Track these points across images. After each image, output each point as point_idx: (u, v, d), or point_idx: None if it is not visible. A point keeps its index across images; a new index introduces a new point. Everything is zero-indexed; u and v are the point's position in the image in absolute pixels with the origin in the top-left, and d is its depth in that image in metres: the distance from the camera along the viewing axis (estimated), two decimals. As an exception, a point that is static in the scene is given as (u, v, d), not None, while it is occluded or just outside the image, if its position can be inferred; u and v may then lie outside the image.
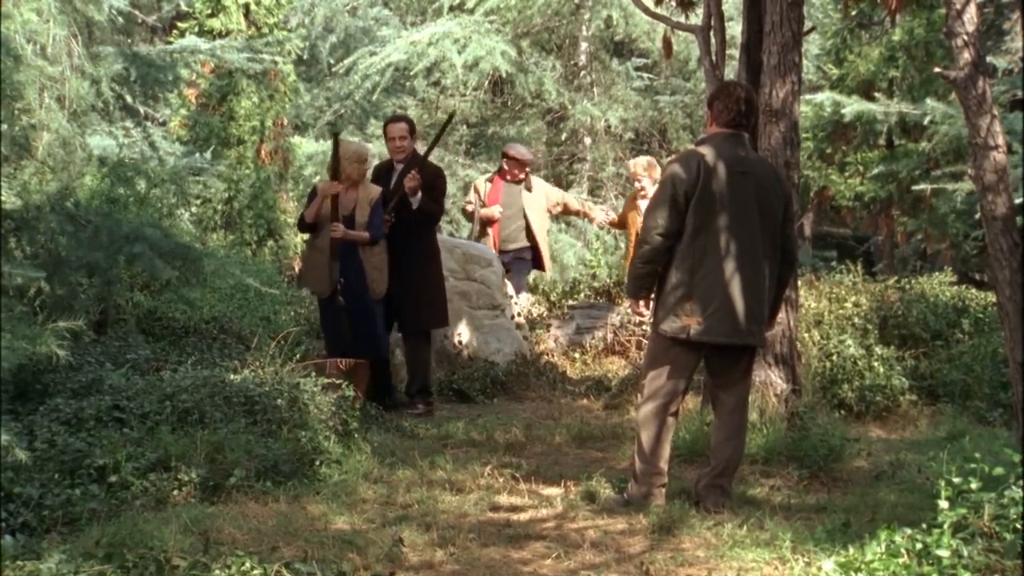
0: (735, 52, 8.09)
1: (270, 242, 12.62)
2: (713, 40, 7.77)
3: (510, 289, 10.25)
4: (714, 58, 7.66)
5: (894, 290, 10.12)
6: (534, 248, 10.68)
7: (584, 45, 16.80)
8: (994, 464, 4.24)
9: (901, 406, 8.06)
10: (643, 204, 10.50)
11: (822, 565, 4.25)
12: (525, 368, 9.20)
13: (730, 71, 9.77)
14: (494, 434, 7.27)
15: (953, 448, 6.22)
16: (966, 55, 5.40)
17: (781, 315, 6.62)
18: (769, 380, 6.91)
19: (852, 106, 13.39)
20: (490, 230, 10.58)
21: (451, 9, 16.41)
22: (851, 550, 4.24)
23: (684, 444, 6.50)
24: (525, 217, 10.56)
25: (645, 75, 17.35)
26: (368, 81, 16.20)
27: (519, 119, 16.98)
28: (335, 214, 7.92)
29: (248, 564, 4.18)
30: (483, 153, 17.09)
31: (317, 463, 5.95)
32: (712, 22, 7.78)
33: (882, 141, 14.44)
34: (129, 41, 11.98)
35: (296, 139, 14.86)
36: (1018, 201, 5.76)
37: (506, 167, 10.65)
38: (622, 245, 15.10)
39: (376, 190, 8.14)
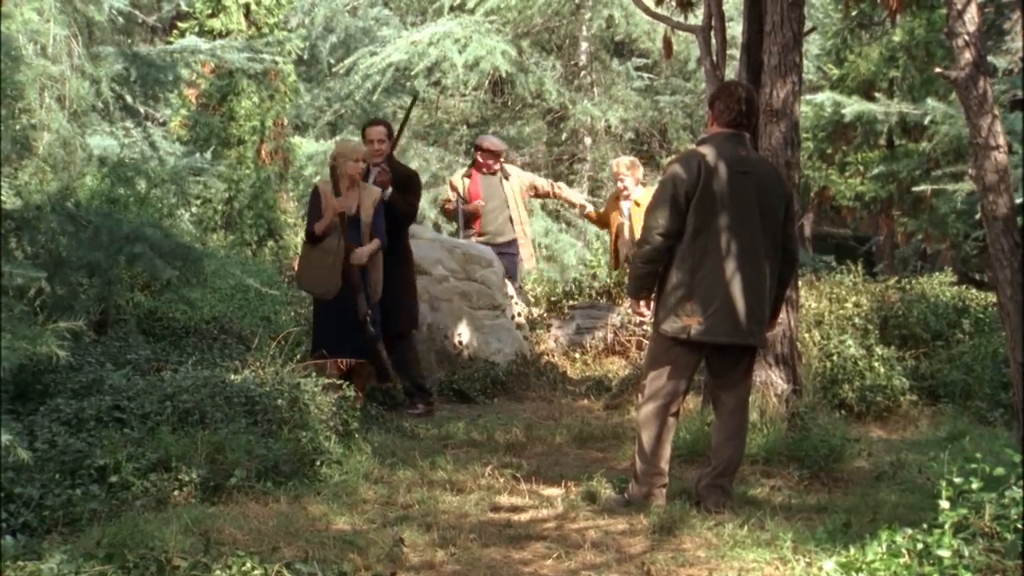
0: (736, 52, 8.09)
1: (270, 242, 12.62)
2: (714, 40, 7.76)
3: (510, 289, 10.25)
4: (714, 58, 7.66)
5: (894, 290, 10.12)
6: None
7: (584, 45, 16.80)
8: (995, 464, 4.24)
9: (902, 406, 8.06)
10: (625, 205, 10.51)
11: (823, 565, 4.25)
12: (525, 368, 9.19)
13: (731, 71, 9.76)
14: (495, 434, 7.27)
15: (954, 448, 6.22)
16: (967, 55, 5.40)
17: (782, 315, 6.62)
18: (770, 380, 6.91)
19: (852, 106, 13.39)
20: (475, 225, 10.54)
21: (451, 9, 16.41)
22: (852, 550, 4.24)
23: (685, 444, 6.50)
24: (508, 207, 10.54)
25: (645, 75, 17.35)
26: (368, 81, 16.20)
27: (519, 119, 16.98)
28: (345, 227, 7.88)
29: (249, 564, 4.18)
30: (483, 153, 17.03)
31: (318, 463, 5.95)
32: (712, 22, 7.78)
33: (882, 141, 14.45)
34: (129, 41, 11.99)
35: (296, 139, 14.86)
36: (1019, 201, 5.76)
37: (480, 159, 10.55)
38: (623, 245, 15.11)
39: (376, 191, 8.13)
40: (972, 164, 5.53)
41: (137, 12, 15.25)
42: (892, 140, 14.41)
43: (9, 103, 6.29)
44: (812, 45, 14.72)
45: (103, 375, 6.30)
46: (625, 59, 17.42)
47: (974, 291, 10.51)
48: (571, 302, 10.89)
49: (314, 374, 6.86)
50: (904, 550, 4.05)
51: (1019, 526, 4.00)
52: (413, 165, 16.35)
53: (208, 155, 11.65)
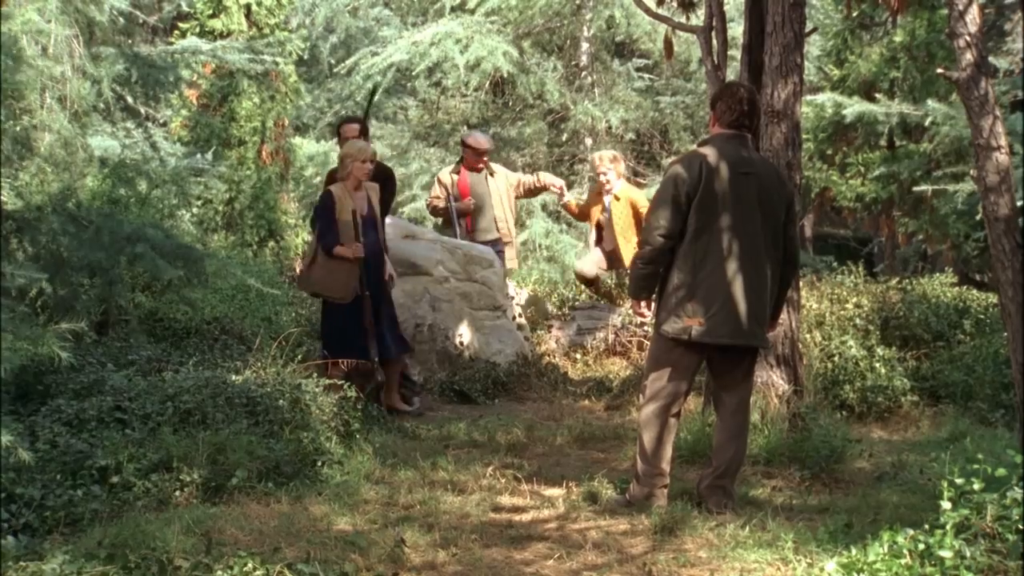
0: (736, 53, 8.09)
1: (271, 243, 12.63)
2: (715, 41, 7.76)
3: (511, 290, 10.25)
4: (716, 59, 7.66)
5: (895, 291, 10.12)
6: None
7: (585, 46, 16.80)
8: (996, 465, 4.24)
9: (903, 407, 8.06)
10: (606, 199, 10.45)
11: (824, 566, 4.25)
12: (526, 369, 9.19)
13: (732, 72, 9.76)
14: (496, 435, 7.27)
15: (955, 449, 6.22)
16: (968, 56, 5.40)
17: (783, 316, 6.62)
18: (771, 381, 6.91)
19: (853, 107, 13.38)
20: (463, 222, 10.50)
21: (452, 10, 16.41)
22: (853, 551, 4.24)
23: (686, 445, 6.50)
24: (493, 206, 10.50)
25: (646, 76, 17.35)
26: (369, 82, 16.20)
27: (520, 120, 16.98)
28: (357, 228, 7.87)
29: (250, 565, 4.18)
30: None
31: (319, 464, 5.96)
32: (714, 23, 7.78)
33: (883, 142, 14.44)
34: (130, 42, 11.99)
35: (297, 140, 14.89)
36: (1020, 202, 5.76)
37: (467, 156, 10.55)
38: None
39: (375, 185, 8.14)
40: (974, 165, 5.53)
41: (138, 12, 15.25)
42: (893, 141, 14.40)
43: (10, 103, 6.30)
44: (813, 46, 14.72)
45: (104, 376, 6.31)
46: (626, 60, 17.43)
47: (975, 292, 10.52)
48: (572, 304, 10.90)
49: (316, 375, 6.87)
50: (906, 551, 4.05)
51: (1020, 527, 4.00)
52: (414, 166, 16.39)
53: (209, 156, 11.67)
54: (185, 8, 15.15)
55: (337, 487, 5.72)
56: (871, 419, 7.93)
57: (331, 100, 18.12)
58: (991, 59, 12.50)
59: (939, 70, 6.16)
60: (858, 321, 9.11)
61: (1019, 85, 12.78)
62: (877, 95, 13.80)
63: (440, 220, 10.79)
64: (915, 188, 13.43)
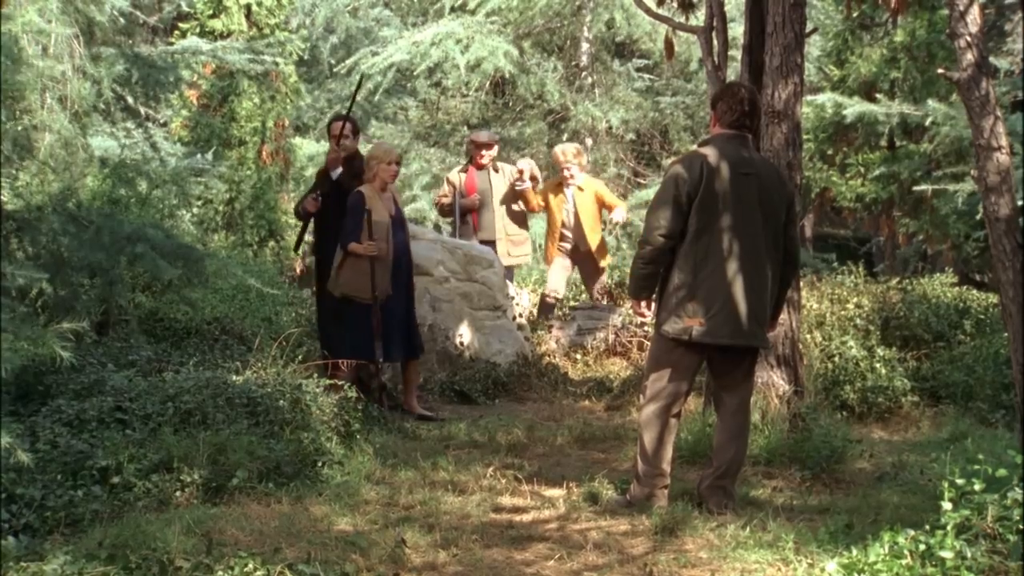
0: (737, 53, 8.09)
1: (271, 243, 12.63)
2: (715, 41, 7.76)
3: (511, 290, 10.24)
4: (716, 59, 7.66)
5: (896, 291, 10.12)
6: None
7: (586, 46, 16.79)
8: (997, 465, 4.24)
9: (903, 407, 8.06)
10: (569, 191, 10.44)
11: (825, 566, 4.26)
12: (527, 369, 9.19)
13: (732, 72, 9.76)
14: (496, 435, 7.27)
15: (956, 449, 6.23)
16: (969, 56, 5.40)
17: (783, 316, 6.62)
18: (771, 381, 6.90)
19: (853, 107, 13.37)
20: (469, 219, 10.52)
21: (453, 10, 16.40)
22: (854, 551, 4.24)
23: (686, 445, 6.50)
24: (493, 205, 10.51)
25: (646, 76, 17.34)
26: (370, 82, 16.20)
27: (520, 120, 16.98)
28: (374, 228, 7.86)
29: (251, 565, 4.18)
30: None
31: (319, 464, 5.96)
32: (714, 23, 7.78)
33: (883, 142, 14.43)
34: (131, 42, 11.96)
35: (297, 140, 14.88)
36: (1021, 202, 5.75)
37: (472, 154, 10.65)
38: (624, 246, 15.10)
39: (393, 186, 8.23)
40: (974, 165, 5.53)
41: (138, 13, 15.26)
42: (893, 141, 14.39)
43: (10, 104, 6.29)
44: (813, 46, 14.71)
45: (105, 376, 6.31)
46: (626, 60, 17.41)
47: (975, 292, 10.52)
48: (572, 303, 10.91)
49: (316, 375, 6.87)
50: (906, 551, 4.05)
51: (1021, 527, 4.00)
52: (414, 166, 16.38)
53: (209, 156, 11.67)
54: (185, 8, 15.14)
55: (338, 487, 5.72)
56: (871, 419, 7.93)
57: (331, 100, 18.11)
58: (991, 59, 12.50)
59: (940, 70, 6.15)
60: (858, 321, 9.12)
61: (1019, 85, 12.78)
62: (877, 95, 13.79)
63: (449, 219, 10.82)
64: (915, 188, 13.42)
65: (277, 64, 11.64)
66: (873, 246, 18.88)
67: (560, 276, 10.68)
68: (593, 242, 10.53)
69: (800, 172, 7.14)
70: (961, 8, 5.40)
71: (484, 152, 10.51)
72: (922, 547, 4.02)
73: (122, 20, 11.49)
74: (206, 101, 12.65)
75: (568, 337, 10.35)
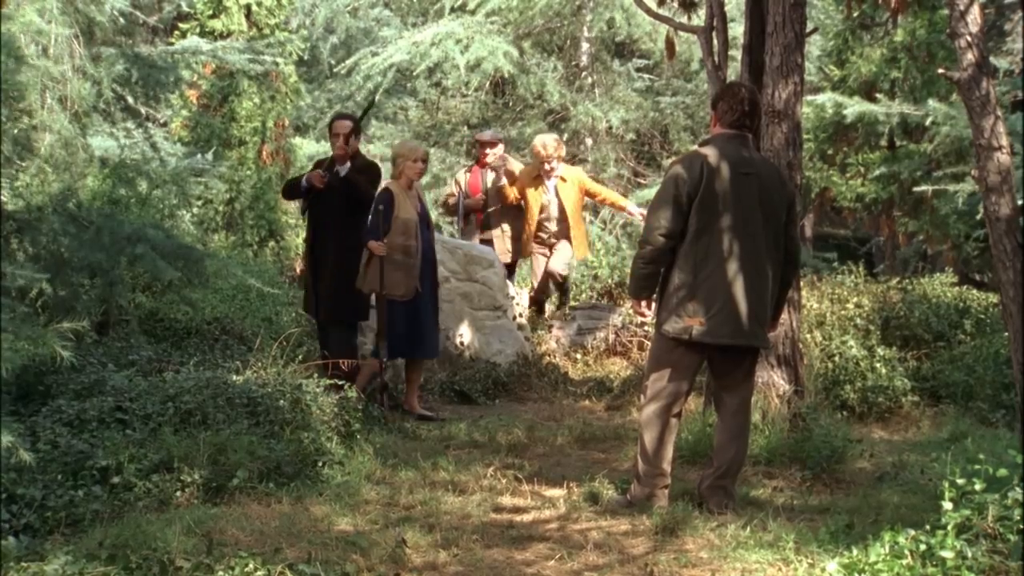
0: (737, 53, 8.08)
1: (271, 243, 12.63)
2: (715, 41, 7.76)
3: (512, 290, 10.24)
4: (716, 59, 7.66)
5: (896, 291, 10.12)
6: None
7: (586, 46, 16.79)
8: (997, 465, 4.24)
9: (903, 407, 8.06)
10: (551, 183, 10.28)
11: (826, 566, 4.25)
12: (527, 369, 9.19)
13: (732, 72, 9.76)
14: (496, 435, 7.27)
15: (956, 449, 6.23)
16: (970, 56, 5.40)
17: (784, 316, 6.62)
18: (771, 381, 6.90)
19: (854, 107, 13.36)
20: (473, 218, 10.51)
21: (453, 10, 16.40)
22: (855, 551, 4.24)
23: (687, 445, 6.50)
24: (490, 203, 10.46)
25: (646, 76, 17.34)
26: (370, 82, 16.20)
27: (520, 120, 16.97)
28: (402, 226, 7.87)
29: (251, 565, 4.18)
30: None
31: (320, 464, 5.96)
32: (714, 23, 7.78)
33: (884, 142, 14.42)
34: (131, 42, 11.95)
35: (297, 140, 14.87)
36: (1021, 202, 5.75)
37: (479, 154, 10.62)
38: (624, 245, 15.09)
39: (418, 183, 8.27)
40: (975, 165, 5.53)
41: (138, 13, 15.23)
42: (893, 141, 14.39)
43: (10, 104, 6.28)
44: (813, 46, 14.71)
45: (105, 376, 6.31)
46: (626, 60, 17.41)
47: (975, 292, 10.52)
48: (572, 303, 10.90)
49: (316, 375, 6.87)
50: (907, 551, 4.05)
51: (1022, 527, 4.00)
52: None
53: (209, 156, 11.67)
54: (185, 8, 15.14)
55: (338, 487, 5.72)
56: (872, 419, 7.93)
57: (331, 100, 18.10)
58: (991, 59, 12.50)
59: (940, 70, 6.16)
60: (859, 321, 9.12)
61: (1019, 85, 12.78)
62: (877, 95, 13.78)
63: (453, 218, 10.80)
64: (915, 188, 13.42)
65: (277, 64, 11.64)
66: (873, 246, 18.88)
67: (565, 258, 10.58)
68: (577, 233, 10.35)
69: (800, 172, 7.14)
70: (961, 8, 5.40)
71: (488, 151, 10.49)
72: (923, 547, 4.02)
73: (122, 20, 11.47)
74: (206, 101, 12.65)
75: (568, 337, 10.35)
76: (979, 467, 4.19)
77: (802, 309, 7.71)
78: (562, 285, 10.53)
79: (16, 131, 6.51)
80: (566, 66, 16.90)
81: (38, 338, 4.85)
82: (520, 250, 10.53)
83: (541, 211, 10.33)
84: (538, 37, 16.83)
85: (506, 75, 15.95)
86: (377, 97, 8.18)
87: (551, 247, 10.40)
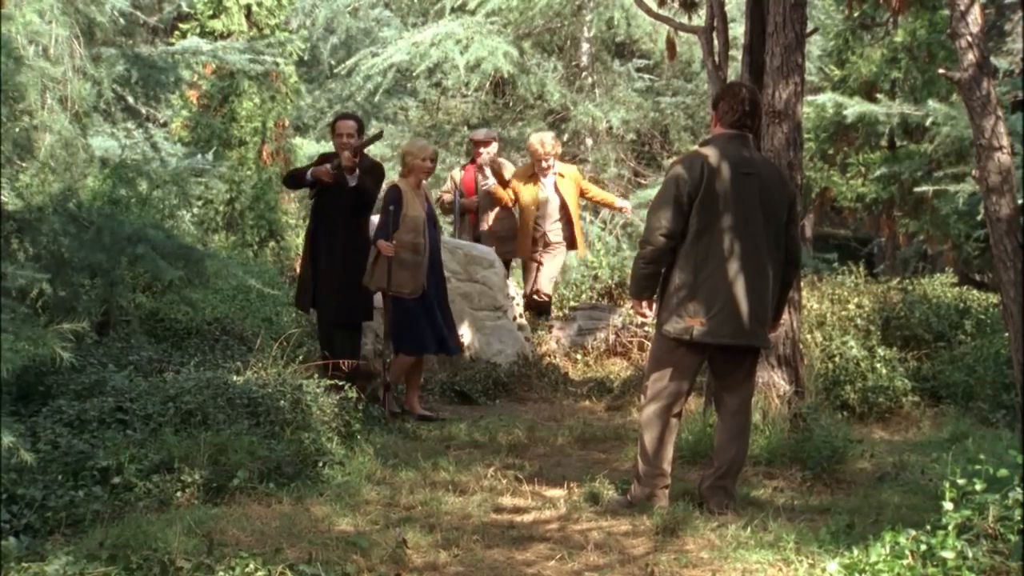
0: (738, 53, 8.08)
1: (272, 243, 12.62)
2: (716, 41, 7.76)
3: (512, 290, 10.23)
4: (717, 59, 7.66)
5: (896, 291, 10.12)
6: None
7: (586, 46, 16.80)
8: (998, 466, 4.24)
9: (904, 407, 8.06)
10: (548, 180, 10.24)
11: (826, 567, 4.25)
12: (527, 369, 9.20)
13: (732, 72, 9.76)
14: (497, 435, 7.27)
15: (956, 450, 6.23)
16: (970, 56, 5.40)
17: (784, 316, 6.62)
18: (772, 381, 6.90)
19: (854, 107, 13.37)
20: (467, 218, 10.48)
21: (453, 10, 16.40)
22: (855, 552, 4.24)
23: (687, 445, 6.50)
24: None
25: (647, 76, 17.34)
26: (370, 82, 16.21)
27: (521, 120, 16.98)
28: (410, 223, 7.89)
29: (252, 566, 4.18)
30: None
31: (320, 465, 5.96)
32: (715, 23, 7.78)
33: (884, 142, 14.43)
34: (131, 42, 11.95)
35: (298, 140, 14.87)
36: (1022, 202, 5.75)
37: (473, 153, 10.60)
38: (624, 246, 15.09)
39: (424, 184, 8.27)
40: (976, 165, 5.53)
41: (138, 13, 15.24)
42: (894, 141, 14.39)
43: (11, 104, 6.28)
44: (814, 46, 14.71)
45: (105, 376, 6.31)
46: (626, 60, 17.41)
47: (975, 292, 10.53)
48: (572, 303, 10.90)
49: (317, 376, 6.87)
50: (908, 551, 4.05)
51: (1022, 527, 4.00)
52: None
53: (209, 156, 11.66)
54: (185, 9, 15.14)
55: (338, 488, 5.72)
56: (872, 419, 7.93)
57: (331, 100, 18.11)
58: (991, 59, 12.49)
59: (941, 70, 6.16)
60: (859, 321, 9.12)
61: (1019, 85, 12.78)
62: (878, 95, 13.78)
63: (449, 216, 10.78)
64: (916, 188, 13.42)
65: (277, 64, 11.63)
66: (874, 246, 18.88)
67: (553, 271, 10.55)
68: (577, 231, 10.32)
69: (801, 172, 7.15)
70: (962, 8, 5.41)
71: (482, 149, 10.47)
72: (923, 547, 4.02)
73: (122, 20, 11.47)
74: (206, 101, 12.64)
75: (568, 337, 10.35)
76: (980, 467, 4.19)
77: (802, 309, 7.71)
78: (546, 304, 10.52)
79: (16, 131, 6.51)
80: (566, 66, 16.90)
81: (38, 338, 4.85)
82: (515, 249, 10.50)
83: (538, 209, 10.27)
84: (538, 37, 16.83)
85: (506, 75, 15.95)
86: (380, 136, 8.18)
87: (548, 247, 10.34)
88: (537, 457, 6.87)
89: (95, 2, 8.18)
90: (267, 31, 12.71)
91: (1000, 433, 7.16)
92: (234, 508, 5.24)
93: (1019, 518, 4.02)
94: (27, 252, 6.04)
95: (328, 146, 15.97)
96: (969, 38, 5.43)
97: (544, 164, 10.26)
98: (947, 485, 4.14)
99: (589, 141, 16.65)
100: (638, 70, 17.31)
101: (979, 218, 11.15)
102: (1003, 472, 4.17)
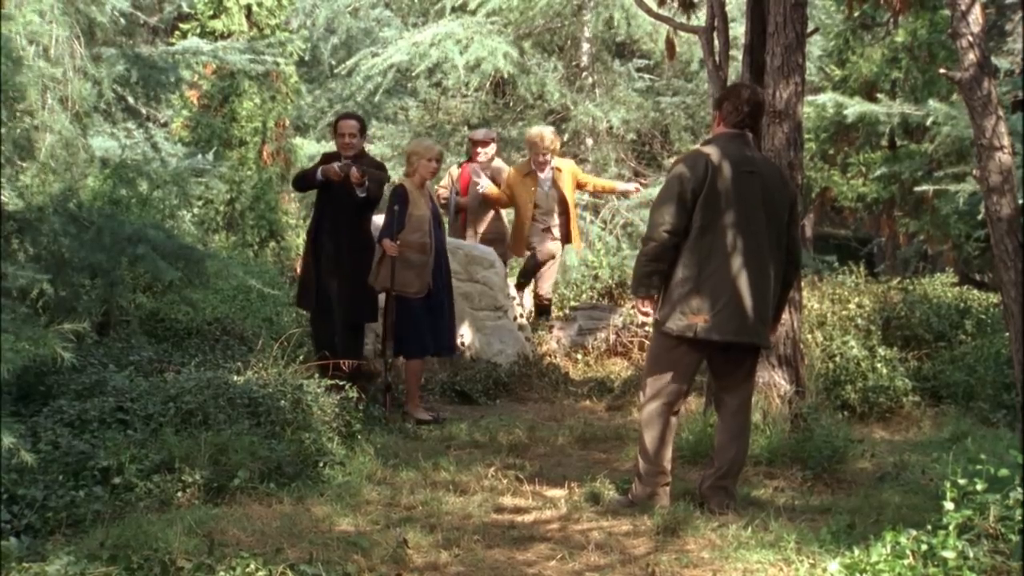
0: (738, 53, 8.08)
1: (272, 243, 12.62)
2: (716, 41, 7.76)
3: (512, 290, 10.23)
4: (717, 59, 7.66)
5: (897, 291, 10.12)
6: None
7: (586, 46, 16.78)
8: (998, 465, 4.24)
9: (904, 407, 8.06)
10: (545, 175, 10.14)
11: (827, 566, 4.26)
12: (528, 369, 9.19)
13: (733, 72, 9.76)
14: (497, 435, 7.27)
15: (957, 449, 6.23)
16: (971, 56, 5.41)
17: (785, 316, 6.61)
18: (773, 381, 6.90)
19: (854, 107, 13.36)
20: (460, 216, 10.47)
21: (453, 10, 16.40)
22: (856, 551, 4.24)
23: (687, 445, 6.50)
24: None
25: (647, 76, 17.33)
26: (370, 82, 16.19)
27: (521, 120, 16.96)
28: (416, 222, 7.89)
29: (253, 566, 4.18)
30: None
31: (321, 465, 5.96)
32: (715, 23, 7.78)
33: (884, 142, 14.43)
34: (131, 42, 11.94)
35: (298, 140, 14.87)
36: (1022, 202, 5.75)
37: (471, 152, 10.56)
38: (624, 245, 15.09)
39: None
40: (976, 165, 5.53)
41: (139, 13, 15.23)
42: (894, 141, 14.39)
43: (11, 105, 6.28)
44: (814, 46, 14.70)
45: (106, 376, 6.31)
46: (627, 60, 17.40)
47: (976, 292, 10.53)
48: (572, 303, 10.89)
49: (317, 376, 6.87)
50: (908, 551, 4.05)
51: (1023, 527, 4.00)
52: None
53: (210, 156, 11.65)
54: (186, 9, 15.13)
55: (339, 488, 5.72)
56: (873, 419, 7.93)
57: (332, 100, 18.10)
58: (991, 59, 12.47)
59: (941, 70, 6.16)
60: (859, 321, 9.12)
61: (1020, 85, 12.77)
62: (878, 95, 13.78)
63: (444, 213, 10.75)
64: (916, 188, 13.42)
65: (278, 64, 11.62)
66: (874, 246, 18.88)
67: (551, 275, 10.54)
68: (574, 222, 10.28)
69: (801, 172, 7.15)
70: (963, 8, 5.41)
71: (480, 149, 10.43)
72: (924, 547, 4.02)
73: (123, 20, 11.46)
74: (207, 101, 12.64)
75: (569, 337, 10.35)
76: (980, 467, 4.19)
77: (803, 309, 7.71)
78: (546, 305, 10.52)
79: (17, 132, 6.51)
80: (566, 66, 16.89)
81: (39, 339, 4.85)
82: (508, 251, 10.47)
83: (536, 206, 10.16)
84: (538, 37, 16.81)
85: (506, 75, 15.93)
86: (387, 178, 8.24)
87: (548, 230, 10.23)
88: (538, 457, 6.87)
89: (95, 2, 8.18)
90: (267, 31, 12.71)
91: (1001, 433, 7.16)
92: (235, 508, 5.24)
93: (1020, 518, 4.02)
94: (27, 252, 6.04)
95: (328, 146, 16.02)
96: (970, 38, 5.43)
97: (542, 158, 10.16)
98: (948, 485, 4.14)
99: (589, 141, 16.63)
100: (638, 70, 17.30)
101: (980, 218, 11.14)
102: (1004, 472, 4.18)
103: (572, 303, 11.04)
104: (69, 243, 6.22)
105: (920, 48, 13.76)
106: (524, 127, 16.50)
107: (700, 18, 8.70)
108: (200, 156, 11.47)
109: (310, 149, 15.56)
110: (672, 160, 8.60)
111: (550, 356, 9.83)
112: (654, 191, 10.69)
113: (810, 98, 13.36)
